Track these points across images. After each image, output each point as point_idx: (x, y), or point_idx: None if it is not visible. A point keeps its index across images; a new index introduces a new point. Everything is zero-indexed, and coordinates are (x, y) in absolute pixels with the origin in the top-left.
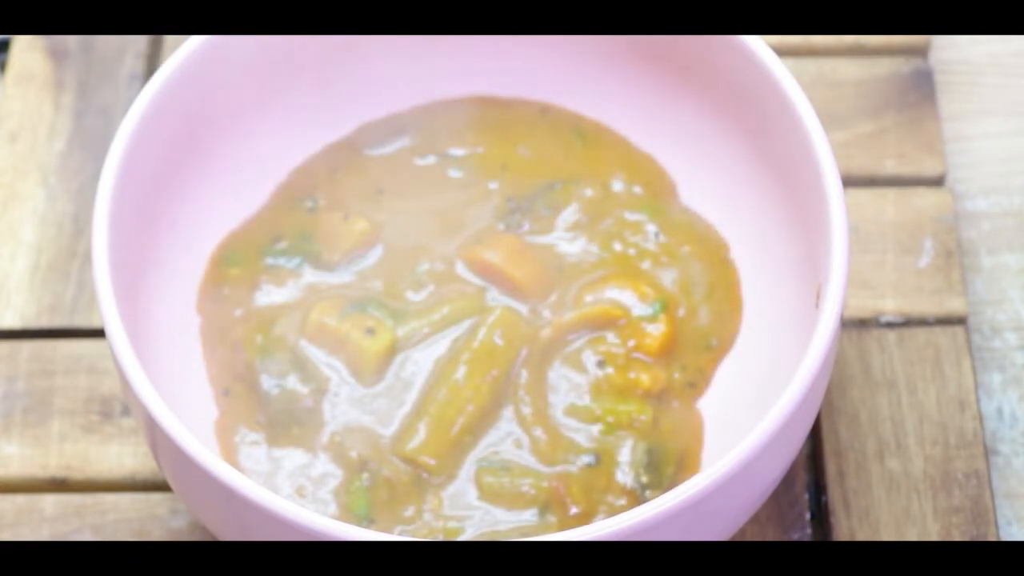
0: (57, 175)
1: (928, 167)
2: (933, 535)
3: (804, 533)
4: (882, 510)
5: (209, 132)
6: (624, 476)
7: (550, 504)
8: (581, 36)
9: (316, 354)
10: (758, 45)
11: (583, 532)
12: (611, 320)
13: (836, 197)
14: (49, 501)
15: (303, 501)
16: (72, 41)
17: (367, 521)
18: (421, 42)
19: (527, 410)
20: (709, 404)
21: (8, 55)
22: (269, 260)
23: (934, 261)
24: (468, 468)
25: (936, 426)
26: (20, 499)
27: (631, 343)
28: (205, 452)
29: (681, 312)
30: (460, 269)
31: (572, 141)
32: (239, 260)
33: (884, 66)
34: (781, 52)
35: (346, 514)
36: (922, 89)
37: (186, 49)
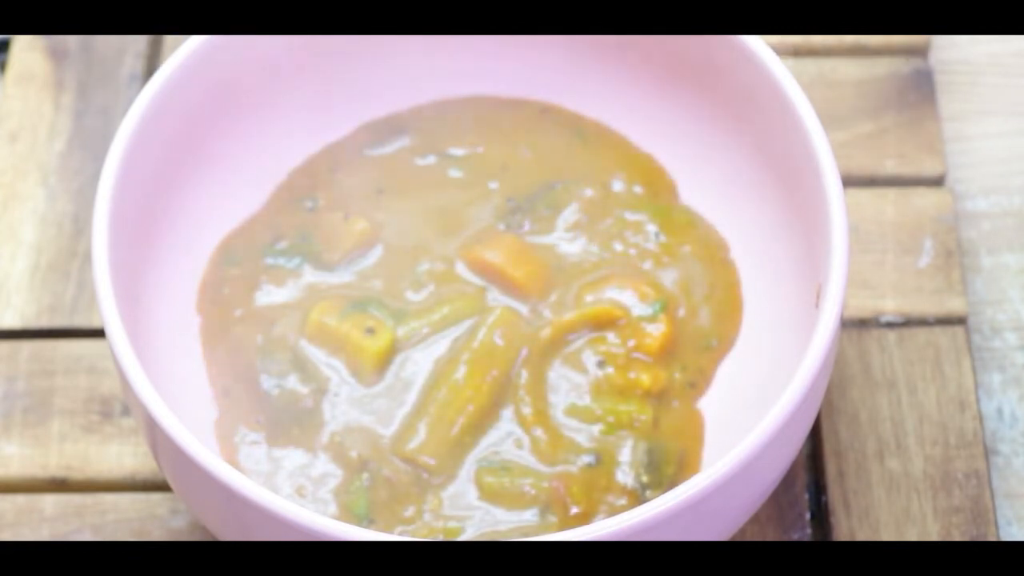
0: (57, 175)
1: (928, 167)
2: (933, 535)
3: (804, 533)
4: (882, 510)
5: (209, 132)
6: (624, 476)
7: (550, 504)
8: (581, 36)
9: (316, 354)
10: (758, 45)
11: (583, 532)
12: (611, 320)
13: (836, 197)
14: (49, 501)
15: (303, 501)
16: (72, 41)
17: (367, 521)
18: (421, 42)
19: (527, 410)
20: (709, 404)
21: (8, 55)
22: (269, 260)
23: (934, 261)
24: (468, 468)
25: (936, 426)
26: (20, 499)
27: (631, 343)
28: (205, 452)
29: (681, 312)
30: (460, 269)
31: (572, 141)
32: (239, 260)
33: (884, 66)
34: (781, 52)
35: (346, 514)
36: (922, 89)
37: (186, 49)
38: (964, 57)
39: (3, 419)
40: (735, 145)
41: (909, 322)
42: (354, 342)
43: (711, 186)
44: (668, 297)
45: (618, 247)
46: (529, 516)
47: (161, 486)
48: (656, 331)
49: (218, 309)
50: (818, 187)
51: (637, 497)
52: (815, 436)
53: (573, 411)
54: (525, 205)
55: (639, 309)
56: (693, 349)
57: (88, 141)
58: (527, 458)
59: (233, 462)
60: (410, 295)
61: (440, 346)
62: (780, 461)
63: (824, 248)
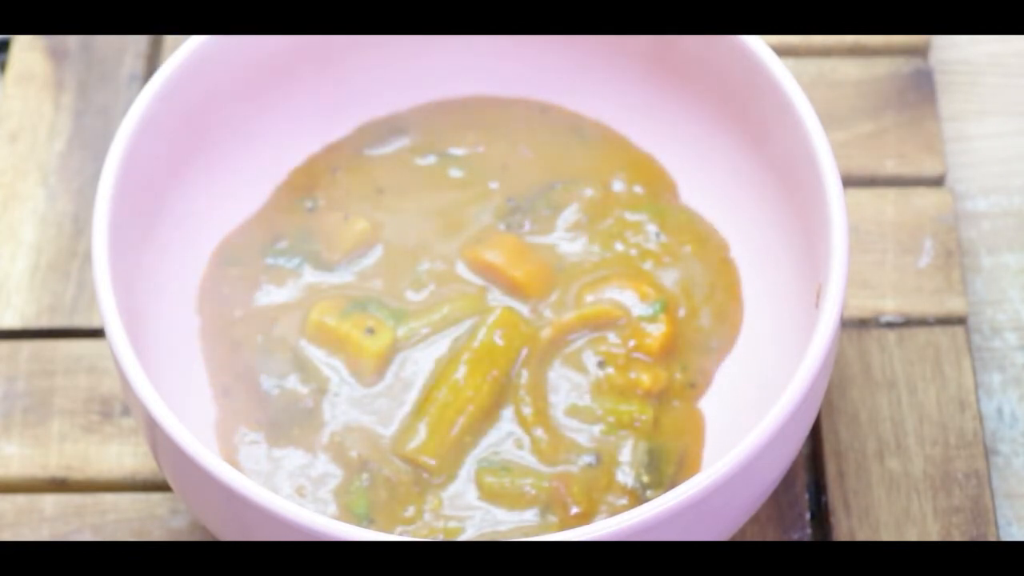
0: (57, 175)
1: (928, 167)
2: (933, 535)
3: (804, 533)
4: (882, 510)
5: (209, 132)
6: (625, 476)
7: (551, 504)
8: (581, 36)
9: (316, 354)
10: (758, 45)
11: (584, 532)
12: (611, 320)
13: (836, 197)
14: (49, 501)
15: (303, 501)
16: (72, 41)
17: (367, 521)
18: (421, 42)
19: (528, 410)
20: (710, 404)
21: (8, 55)
22: (269, 260)
23: (934, 261)
24: (468, 468)
25: (936, 426)
26: (20, 499)
27: (631, 343)
28: (205, 452)
29: (682, 312)
30: (460, 269)
31: (572, 141)
32: (239, 260)
33: (884, 66)
34: (781, 52)
35: (346, 514)
36: (922, 89)
37: (186, 49)
38: (964, 57)
39: (3, 419)
40: (735, 145)
41: (909, 322)
42: (354, 342)
43: (711, 186)
44: (668, 297)
45: (618, 247)
46: (529, 516)
47: (161, 486)
48: (656, 331)
49: (218, 309)
50: (818, 187)
51: (637, 497)
52: (815, 436)
53: (573, 411)
54: (525, 205)
55: (639, 309)
56: (693, 349)
57: (88, 141)
58: (527, 458)
59: (233, 462)
60: (410, 295)
61: (440, 346)
62: (780, 461)
63: (824, 248)
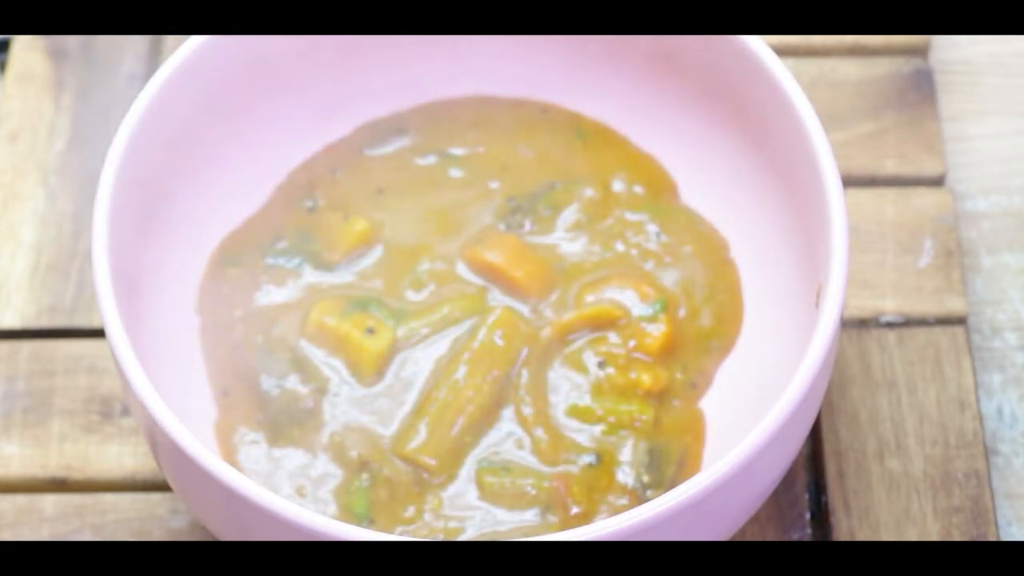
0: (57, 175)
1: (928, 167)
2: (933, 535)
3: (804, 533)
4: (882, 510)
5: (209, 132)
6: (625, 476)
7: (551, 504)
8: (581, 36)
9: (316, 354)
10: (758, 45)
11: (584, 532)
12: (612, 320)
13: (836, 197)
14: (49, 501)
15: (303, 501)
16: (72, 41)
17: (367, 521)
18: (421, 42)
19: (528, 410)
20: (710, 404)
21: (8, 55)
22: (269, 260)
23: (934, 261)
24: (469, 468)
25: (936, 426)
26: (20, 499)
27: (632, 343)
28: (205, 452)
29: (682, 312)
30: (460, 269)
31: (573, 141)
32: (239, 260)
33: (884, 66)
34: (781, 52)
35: (346, 514)
36: (922, 89)
37: (186, 49)
38: (964, 57)
39: (3, 419)
40: (735, 145)
41: (909, 322)
42: (354, 342)
43: (711, 186)
44: (669, 297)
45: (619, 247)
46: (530, 516)
47: (161, 486)
48: (657, 331)
49: (218, 309)
50: (818, 187)
51: (638, 497)
52: (815, 436)
53: (574, 411)
54: (525, 205)
55: (639, 309)
56: (694, 350)
57: (88, 141)
58: (528, 458)
59: (233, 462)
60: (410, 295)
61: (440, 346)
62: (780, 461)
63: (824, 248)
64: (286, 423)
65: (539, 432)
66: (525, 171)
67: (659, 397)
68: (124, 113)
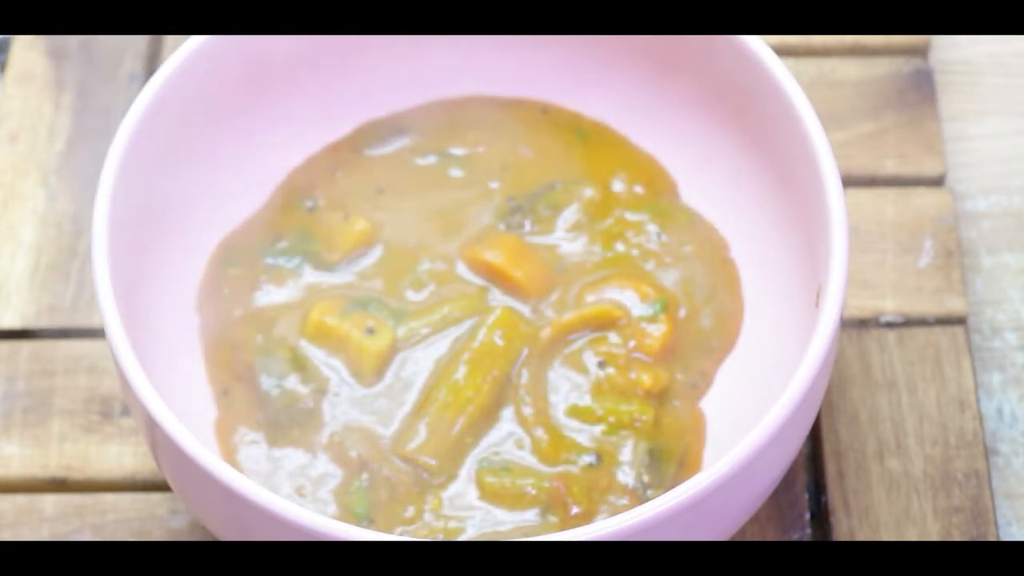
0: (57, 175)
1: (928, 167)
2: (933, 535)
3: (804, 533)
4: (882, 510)
5: (209, 132)
6: (625, 476)
7: (551, 504)
8: (581, 36)
9: (316, 354)
10: (758, 45)
11: (584, 532)
12: (612, 320)
13: (836, 197)
14: (49, 501)
15: (303, 501)
16: (72, 41)
17: (367, 521)
18: (421, 42)
19: (528, 410)
20: (710, 404)
21: (8, 55)
22: (269, 260)
23: (934, 261)
24: (469, 468)
25: (936, 426)
26: (20, 499)
27: (632, 343)
28: (205, 452)
29: (683, 313)
30: (460, 269)
31: (573, 141)
32: (239, 260)
33: (884, 66)
34: (781, 52)
35: (346, 514)
36: (922, 89)
37: (186, 49)
38: (964, 57)
39: (3, 419)
40: (735, 145)
41: (909, 322)
42: (354, 342)
43: (711, 186)
44: (669, 297)
45: (620, 247)
46: (530, 516)
47: (161, 486)
48: (657, 331)
49: (218, 309)
50: (818, 187)
51: (638, 497)
52: (815, 436)
53: (574, 411)
54: (526, 205)
55: (639, 309)
56: (694, 351)
57: (88, 141)
58: (528, 458)
59: (233, 462)
60: (410, 295)
61: (440, 346)
62: (780, 461)
63: (824, 248)
64: (286, 423)
65: (539, 432)
66: (525, 171)
67: (659, 397)
68: (124, 113)
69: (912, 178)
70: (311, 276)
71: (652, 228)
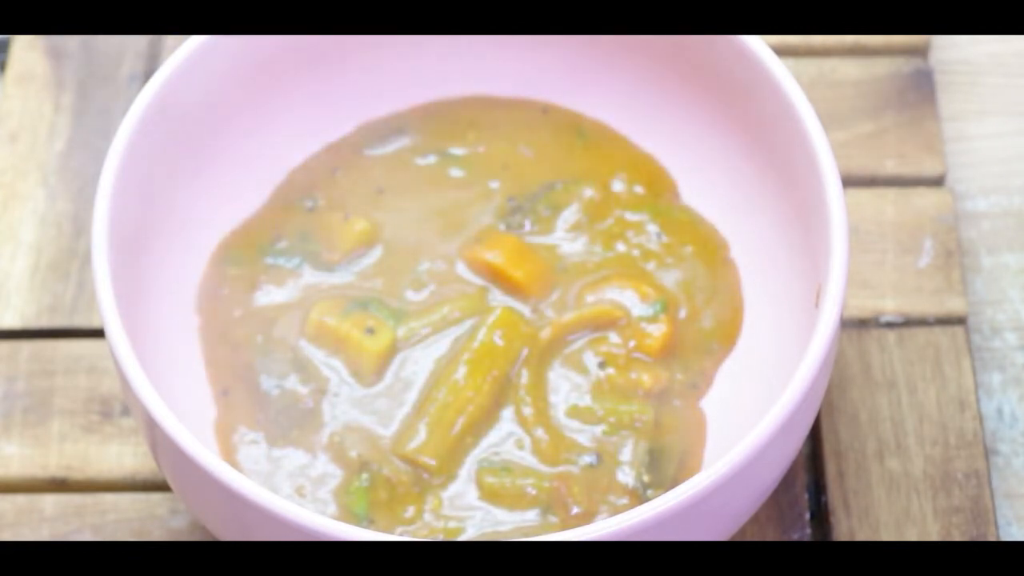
0: (57, 175)
1: (928, 167)
2: (933, 535)
3: (804, 533)
4: (882, 510)
5: (209, 132)
6: (626, 476)
7: (552, 504)
8: (581, 36)
9: (316, 354)
10: (758, 45)
11: (584, 532)
12: (612, 320)
13: (836, 197)
14: (49, 501)
15: (303, 501)
16: (72, 41)
17: (367, 521)
18: (421, 42)
19: (528, 410)
20: (710, 404)
21: (8, 55)
22: (269, 260)
23: (934, 261)
24: (469, 468)
25: (936, 426)
26: (20, 499)
27: (632, 343)
28: (205, 452)
29: (683, 313)
30: (461, 269)
31: (573, 141)
32: (239, 260)
33: (884, 66)
34: (781, 52)
35: (346, 514)
36: (922, 89)
37: (186, 49)
38: (964, 57)
39: (3, 419)
40: (735, 145)
41: (909, 322)
42: (354, 342)
43: (711, 186)
44: (669, 297)
45: (621, 247)
46: (530, 516)
47: (161, 486)
48: (657, 331)
49: (218, 309)
50: (818, 187)
51: (638, 497)
52: (815, 436)
53: (574, 411)
54: (526, 205)
55: (639, 309)
56: (694, 351)
57: (88, 141)
58: (528, 458)
59: (233, 462)
60: (410, 295)
61: (440, 346)
62: (780, 461)
63: (824, 248)
64: (286, 423)
65: (539, 432)
66: (525, 171)
67: (659, 397)
68: (124, 113)
69: (912, 178)
70: (311, 276)
71: (652, 228)
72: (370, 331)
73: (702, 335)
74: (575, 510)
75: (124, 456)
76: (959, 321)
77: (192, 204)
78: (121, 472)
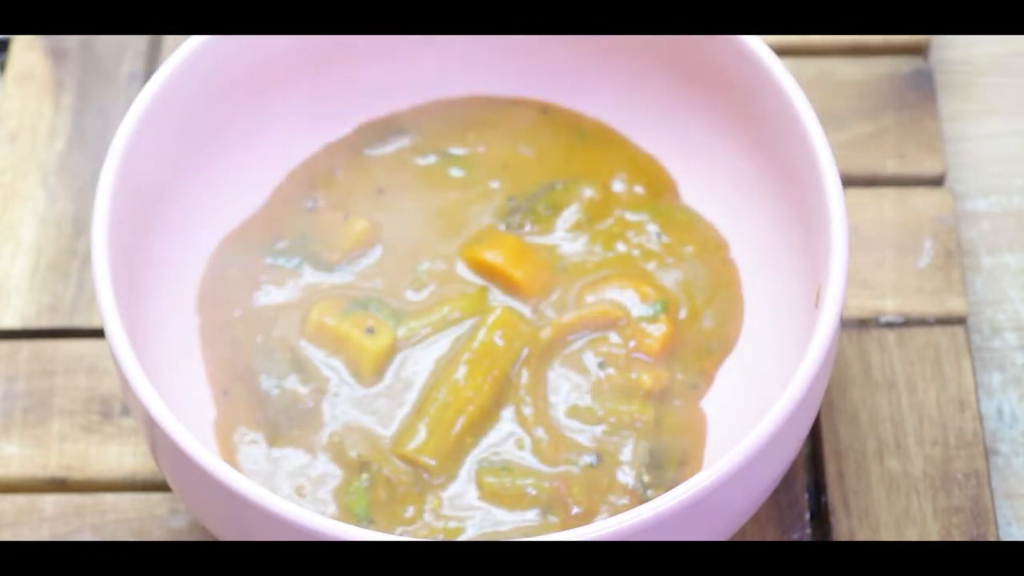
0: (57, 175)
1: (928, 167)
2: (933, 535)
3: (804, 533)
4: (882, 510)
5: (208, 132)
6: (626, 476)
7: (552, 504)
8: (581, 36)
9: (316, 354)
10: (758, 45)
11: (585, 532)
12: (612, 320)
13: (836, 197)
14: (49, 501)
15: (302, 501)
16: (72, 41)
17: (367, 521)
18: (421, 42)
19: (528, 410)
20: (710, 404)
21: (8, 55)
22: (269, 260)
23: (934, 261)
24: (469, 468)
25: (936, 426)
26: (20, 499)
27: (632, 344)
28: (205, 452)
29: (683, 314)
30: (460, 269)
31: (573, 141)
32: (239, 260)
33: (884, 66)
34: (781, 52)
35: (346, 514)
36: (922, 89)
37: (186, 49)
38: (964, 57)
39: (3, 419)
40: (735, 145)
41: (909, 322)
42: (354, 342)
43: (711, 186)
44: (669, 297)
45: (621, 247)
46: (530, 516)
47: (161, 486)
48: (657, 331)
49: (218, 309)
50: (818, 187)
51: (639, 497)
52: (815, 436)
53: (574, 412)
54: (526, 205)
55: (639, 309)
56: (694, 351)
57: (88, 141)
58: (528, 458)
59: (232, 462)
60: (410, 295)
61: (440, 346)
62: (780, 461)
63: (824, 248)
64: (286, 423)
65: (539, 432)
66: (525, 171)
67: (660, 397)
68: (124, 113)
69: (912, 178)
70: (311, 276)
71: (652, 228)
72: (370, 331)
73: (702, 335)
74: (575, 510)
75: (124, 456)
76: (959, 321)
77: (192, 204)
78: (121, 472)
